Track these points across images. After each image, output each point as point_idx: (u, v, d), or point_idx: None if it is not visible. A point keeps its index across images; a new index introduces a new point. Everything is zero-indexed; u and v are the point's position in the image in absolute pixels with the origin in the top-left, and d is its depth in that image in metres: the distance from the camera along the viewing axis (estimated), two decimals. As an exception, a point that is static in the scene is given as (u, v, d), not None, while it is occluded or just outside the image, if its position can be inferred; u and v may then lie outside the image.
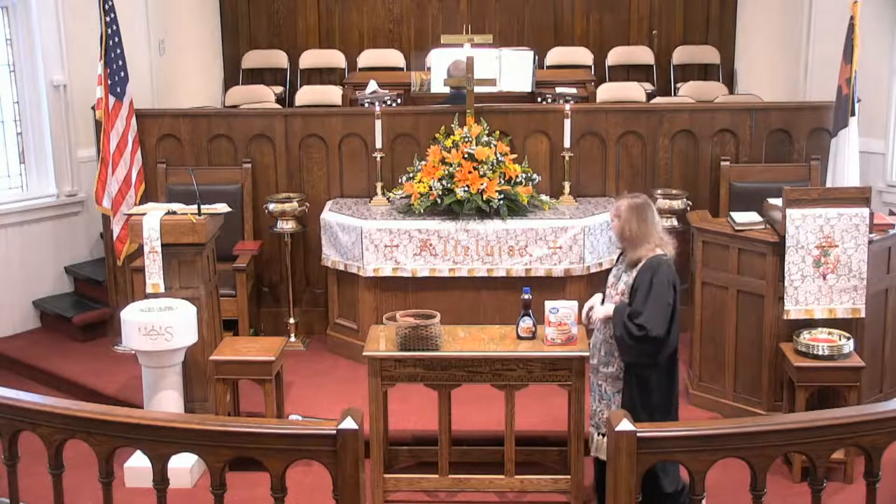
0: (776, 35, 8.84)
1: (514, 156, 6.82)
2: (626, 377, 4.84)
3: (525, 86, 8.21)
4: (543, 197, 6.86)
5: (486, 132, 6.79)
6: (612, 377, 4.89)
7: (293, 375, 6.49)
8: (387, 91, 8.30)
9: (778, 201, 5.75)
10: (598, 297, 5.06)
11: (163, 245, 5.69)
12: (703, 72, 9.90)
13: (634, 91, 8.92)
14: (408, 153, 7.12)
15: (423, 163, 6.76)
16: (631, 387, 4.83)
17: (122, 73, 6.87)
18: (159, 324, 5.40)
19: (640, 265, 4.80)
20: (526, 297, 5.28)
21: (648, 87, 9.48)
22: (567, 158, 6.90)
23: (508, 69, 8.08)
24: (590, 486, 5.30)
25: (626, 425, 3.60)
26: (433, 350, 5.16)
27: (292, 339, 7.11)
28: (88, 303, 7.62)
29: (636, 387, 4.82)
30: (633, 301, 4.77)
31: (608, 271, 6.66)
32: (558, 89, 8.33)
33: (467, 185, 6.51)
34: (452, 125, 6.86)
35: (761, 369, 5.87)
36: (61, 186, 7.73)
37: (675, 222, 6.87)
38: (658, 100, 8.71)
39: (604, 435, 4.79)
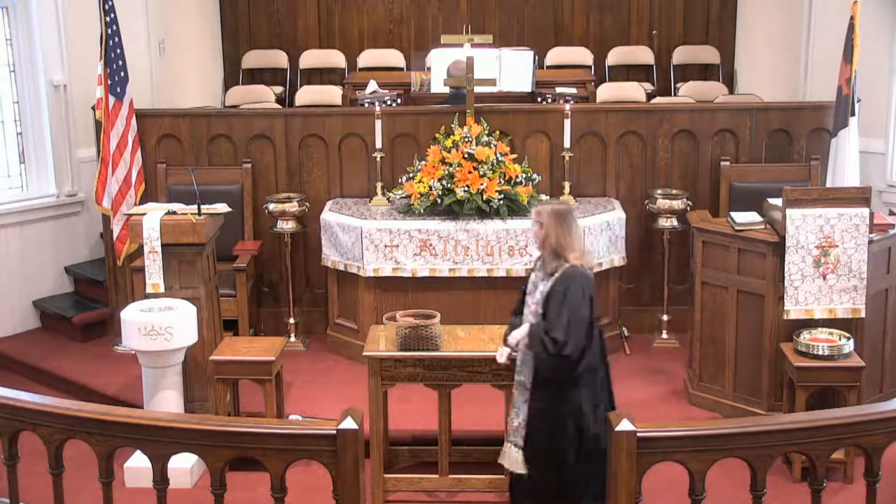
0: (776, 35, 8.84)
1: (514, 156, 6.82)
2: (532, 387, 4.65)
3: (525, 86, 8.21)
4: (543, 197, 6.85)
5: (486, 132, 6.79)
6: (521, 386, 4.72)
7: (293, 375, 6.49)
8: (387, 91, 8.29)
9: (778, 201, 5.74)
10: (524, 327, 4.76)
11: (163, 245, 5.69)
12: (703, 72, 9.90)
13: (634, 91, 8.92)
14: (408, 153, 7.12)
15: (423, 163, 6.76)
16: (537, 397, 4.64)
17: (122, 73, 6.87)
18: (159, 324, 5.40)
19: (557, 275, 4.58)
20: (526, 297, 5.27)
21: (648, 87, 9.48)
22: (567, 158, 6.89)
23: (508, 69, 8.08)
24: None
25: (626, 425, 3.60)
26: (433, 350, 5.16)
27: (292, 339, 7.11)
28: (88, 303, 7.62)
29: (544, 397, 4.61)
30: (546, 312, 4.59)
31: (607, 271, 6.75)
32: (558, 89, 8.33)
33: (467, 185, 6.51)
34: (452, 125, 6.86)
35: (761, 369, 5.87)
36: (61, 186, 7.73)
37: (675, 222, 6.88)
38: (658, 100, 8.71)
39: (512, 443, 4.73)
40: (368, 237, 6.55)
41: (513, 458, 4.73)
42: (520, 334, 4.68)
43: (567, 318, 4.48)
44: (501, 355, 4.89)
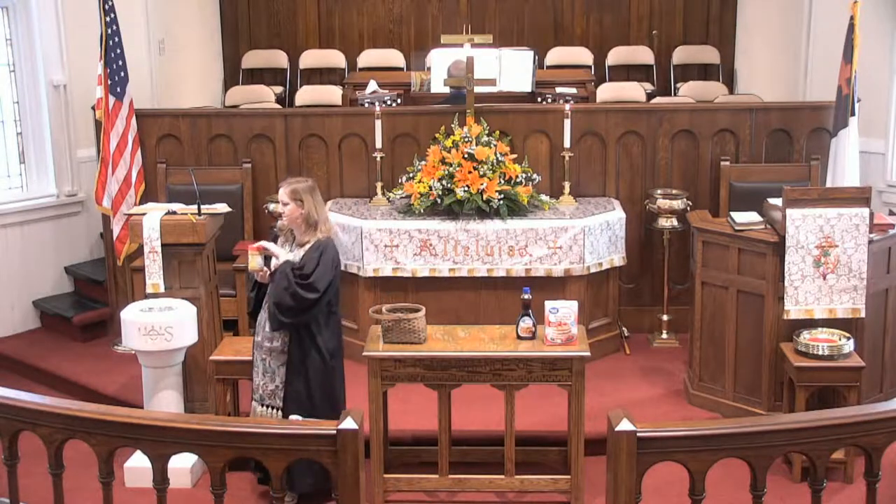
0: (776, 35, 8.84)
1: (514, 156, 6.82)
2: (288, 351, 5.16)
3: (525, 86, 8.21)
4: (543, 197, 6.85)
5: (486, 132, 6.79)
6: (276, 351, 5.19)
7: (293, 375, 6.48)
8: (387, 91, 8.29)
9: (778, 201, 5.74)
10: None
11: (163, 245, 5.69)
12: (703, 72, 9.90)
13: (634, 91, 8.92)
14: (408, 153, 7.12)
15: (423, 163, 6.76)
16: (292, 361, 5.16)
17: (122, 73, 6.87)
18: (159, 324, 5.40)
19: (309, 246, 5.12)
20: (526, 297, 5.27)
21: (648, 87, 9.48)
22: (567, 158, 6.89)
23: (508, 69, 8.07)
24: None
25: (626, 425, 3.60)
26: (416, 342, 5.18)
27: (292, 339, 7.09)
28: (88, 303, 7.62)
29: (298, 361, 5.15)
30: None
31: (607, 271, 6.75)
32: (558, 89, 8.32)
33: (467, 185, 6.51)
34: (452, 125, 6.86)
35: (761, 369, 5.87)
36: (61, 186, 7.73)
37: (675, 222, 6.88)
38: (658, 100, 8.70)
39: (268, 407, 5.23)
40: (368, 237, 6.55)
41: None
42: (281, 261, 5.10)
43: (320, 268, 5.03)
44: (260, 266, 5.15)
